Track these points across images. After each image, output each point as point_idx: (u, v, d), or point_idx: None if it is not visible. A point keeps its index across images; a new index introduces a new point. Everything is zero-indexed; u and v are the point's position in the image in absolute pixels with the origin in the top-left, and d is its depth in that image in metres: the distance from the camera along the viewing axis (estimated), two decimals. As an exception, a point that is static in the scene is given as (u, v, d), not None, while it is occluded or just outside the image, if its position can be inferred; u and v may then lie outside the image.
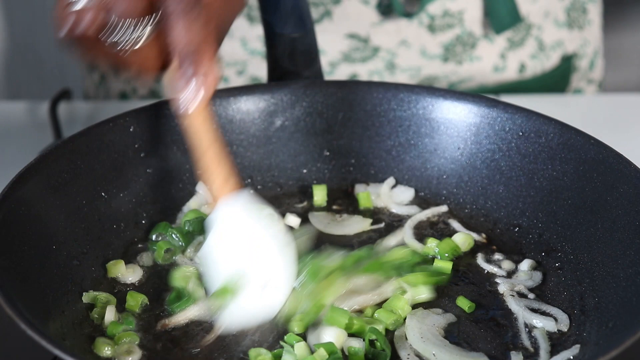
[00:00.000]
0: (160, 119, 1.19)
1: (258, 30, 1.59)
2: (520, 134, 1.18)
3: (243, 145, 1.24)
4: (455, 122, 1.22)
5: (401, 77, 1.62)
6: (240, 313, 1.02)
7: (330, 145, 1.26)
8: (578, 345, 1.00)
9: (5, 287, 0.92)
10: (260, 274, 1.02)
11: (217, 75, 1.01)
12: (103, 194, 1.14)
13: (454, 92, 1.23)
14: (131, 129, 1.17)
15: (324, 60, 1.54)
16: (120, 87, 1.70)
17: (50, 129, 1.51)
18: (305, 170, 1.25)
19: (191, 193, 1.21)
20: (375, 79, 1.61)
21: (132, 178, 1.17)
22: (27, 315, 0.90)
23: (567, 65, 1.71)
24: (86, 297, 1.05)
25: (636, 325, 0.91)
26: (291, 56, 1.27)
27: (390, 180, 1.24)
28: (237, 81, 1.63)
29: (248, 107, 1.23)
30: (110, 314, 1.03)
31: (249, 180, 1.24)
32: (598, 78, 1.79)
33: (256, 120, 1.24)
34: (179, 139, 1.20)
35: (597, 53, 1.77)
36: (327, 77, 1.58)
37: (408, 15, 1.56)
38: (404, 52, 1.60)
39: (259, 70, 1.61)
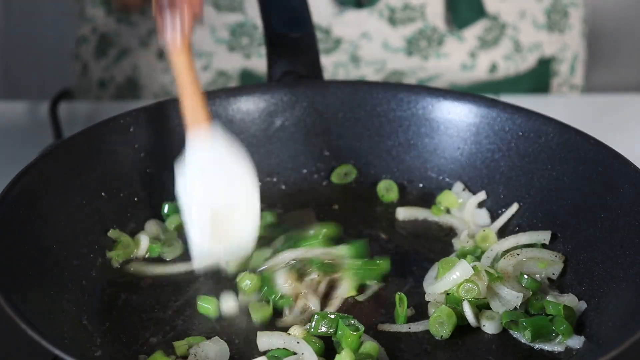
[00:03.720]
0: (160, 119, 1.19)
1: (225, 19, 1.58)
2: (520, 134, 1.18)
3: (243, 145, 1.24)
4: (455, 122, 1.22)
5: (367, 71, 1.61)
6: (210, 249, 1.06)
7: (330, 145, 1.25)
8: (583, 338, 1.00)
9: (5, 287, 0.92)
10: (229, 207, 1.06)
11: (195, 4, 1.00)
12: (103, 194, 1.14)
13: (454, 92, 1.23)
14: (131, 129, 1.17)
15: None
16: (99, 75, 1.69)
17: (50, 129, 1.51)
18: (305, 170, 1.25)
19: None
20: (341, 71, 1.60)
21: (132, 178, 1.17)
22: (27, 315, 0.90)
23: (544, 69, 1.69)
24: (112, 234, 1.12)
25: (636, 325, 0.91)
26: (291, 56, 1.26)
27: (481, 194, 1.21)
28: (202, 76, 1.61)
29: (248, 107, 1.23)
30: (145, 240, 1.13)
31: (249, 180, 1.24)
32: (579, 84, 1.77)
33: (256, 120, 1.24)
34: (180, 139, 1.20)
35: (577, 58, 1.75)
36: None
37: (360, 5, 1.56)
38: (366, 44, 1.59)
39: (225, 62, 1.60)
